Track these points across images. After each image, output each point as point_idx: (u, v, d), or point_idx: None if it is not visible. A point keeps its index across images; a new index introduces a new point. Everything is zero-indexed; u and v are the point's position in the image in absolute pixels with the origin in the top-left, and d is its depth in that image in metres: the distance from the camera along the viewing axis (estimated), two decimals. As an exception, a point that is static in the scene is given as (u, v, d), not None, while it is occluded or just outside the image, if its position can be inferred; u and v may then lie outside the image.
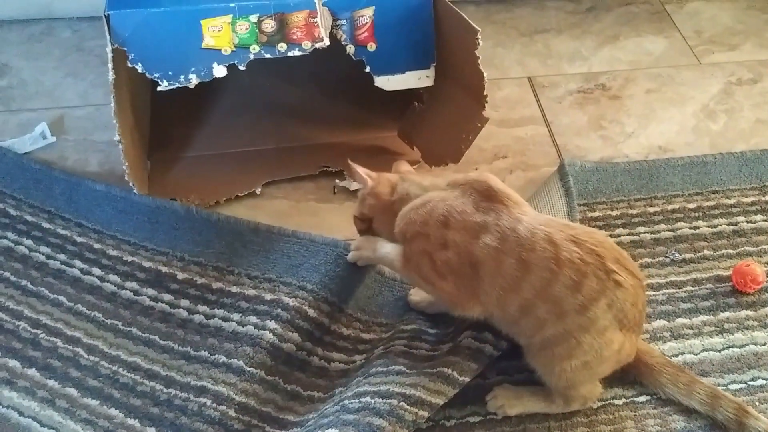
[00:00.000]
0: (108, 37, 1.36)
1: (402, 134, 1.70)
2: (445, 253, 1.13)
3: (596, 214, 1.54)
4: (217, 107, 1.78)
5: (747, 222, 1.54)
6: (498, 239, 1.10)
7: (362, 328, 1.34)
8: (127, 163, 1.40)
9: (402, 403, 1.12)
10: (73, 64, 1.87)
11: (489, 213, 1.13)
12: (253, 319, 1.30)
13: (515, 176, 1.65)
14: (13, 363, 1.25)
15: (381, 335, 1.32)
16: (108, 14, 1.37)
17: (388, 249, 1.24)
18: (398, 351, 1.26)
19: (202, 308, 1.34)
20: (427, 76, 1.55)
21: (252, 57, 1.41)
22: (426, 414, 1.12)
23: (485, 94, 1.45)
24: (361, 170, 1.27)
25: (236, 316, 1.32)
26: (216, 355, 1.26)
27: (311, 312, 1.31)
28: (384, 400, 1.12)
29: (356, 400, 1.15)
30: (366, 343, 1.32)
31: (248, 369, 1.22)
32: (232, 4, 1.40)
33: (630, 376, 1.24)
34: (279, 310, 1.30)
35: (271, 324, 1.28)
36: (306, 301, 1.31)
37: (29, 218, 1.49)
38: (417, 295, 1.36)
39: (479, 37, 1.40)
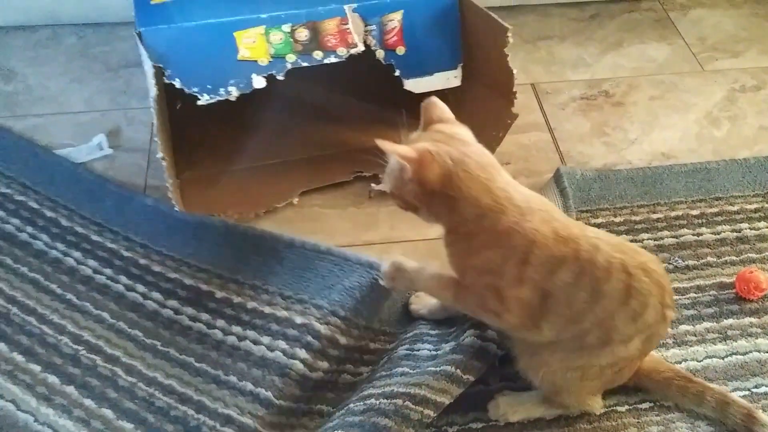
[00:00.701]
0: (145, 53, 1.35)
1: None
2: (519, 290, 1.05)
3: (599, 220, 1.54)
4: (237, 122, 1.74)
5: (750, 229, 1.54)
6: (575, 274, 1.04)
7: (371, 337, 1.33)
8: (170, 181, 1.40)
9: (407, 403, 1.11)
10: (78, 70, 1.88)
11: (568, 244, 1.04)
12: (282, 344, 1.26)
13: (518, 182, 1.65)
14: (52, 379, 1.24)
15: (385, 346, 1.31)
16: (140, 31, 1.36)
17: (428, 278, 1.17)
18: (401, 354, 1.26)
19: (235, 329, 1.31)
20: (455, 77, 1.56)
21: (289, 66, 1.41)
22: (432, 413, 1.12)
23: (514, 90, 1.46)
24: (396, 150, 1.01)
25: (266, 340, 1.28)
26: (243, 382, 1.23)
27: (342, 340, 1.28)
28: (389, 401, 1.12)
29: (361, 403, 1.15)
30: (372, 354, 1.31)
31: (277, 402, 1.20)
32: (263, 15, 1.40)
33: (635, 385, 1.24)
34: (309, 337, 1.26)
35: (302, 353, 1.24)
36: (338, 328, 1.28)
37: (79, 230, 1.48)
38: (417, 304, 1.35)
39: (509, 34, 1.41)
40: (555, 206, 1.10)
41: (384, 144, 1.00)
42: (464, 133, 1.08)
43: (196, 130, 1.67)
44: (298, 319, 1.29)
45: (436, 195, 1.04)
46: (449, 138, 1.06)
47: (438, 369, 1.17)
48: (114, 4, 1.94)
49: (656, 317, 1.08)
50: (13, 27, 1.98)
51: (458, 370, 1.17)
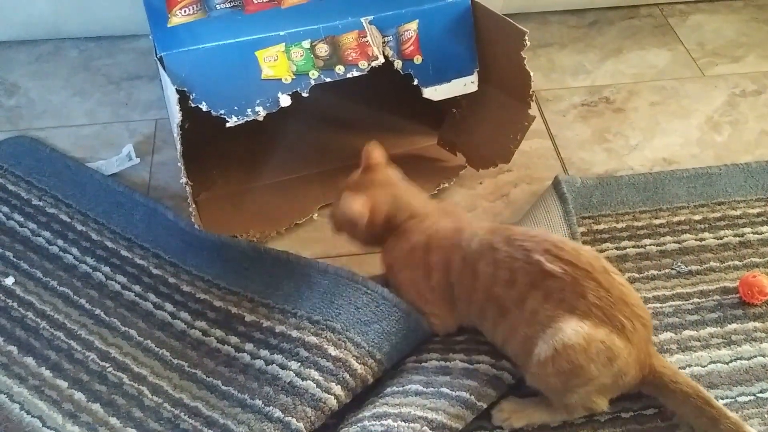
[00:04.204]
0: (167, 78, 1.34)
1: (442, 142, 1.72)
2: (432, 280, 1.26)
3: (601, 226, 1.54)
4: (250, 137, 1.67)
5: (753, 233, 1.54)
6: (462, 258, 1.23)
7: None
8: (194, 205, 1.40)
9: (425, 428, 1.12)
10: (80, 84, 1.89)
11: (455, 235, 1.26)
12: (315, 374, 1.20)
13: (520, 189, 1.65)
14: (78, 396, 1.23)
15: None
16: (162, 56, 1.35)
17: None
18: (409, 367, 1.26)
19: (263, 353, 1.27)
20: (472, 82, 1.54)
21: (313, 82, 1.40)
22: None
23: (531, 92, 1.46)
24: (352, 209, 1.28)
25: (294, 365, 1.23)
26: (270, 407, 1.18)
27: (371, 379, 1.24)
28: (407, 424, 1.12)
29: (377, 422, 1.14)
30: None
31: None
32: (281, 33, 1.38)
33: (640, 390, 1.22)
34: (347, 375, 1.20)
35: (337, 389, 1.19)
36: (372, 370, 1.23)
37: (109, 244, 1.48)
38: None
39: (527, 38, 1.41)
40: (459, 210, 1.41)
41: (345, 203, 1.28)
42: (394, 174, 1.35)
43: (207, 148, 1.65)
44: (332, 351, 1.22)
45: (376, 229, 1.31)
46: (385, 184, 1.33)
47: (454, 394, 1.18)
48: (115, 17, 1.96)
49: (532, 277, 1.16)
50: (16, 41, 1.99)
51: (473, 397, 1.18)
